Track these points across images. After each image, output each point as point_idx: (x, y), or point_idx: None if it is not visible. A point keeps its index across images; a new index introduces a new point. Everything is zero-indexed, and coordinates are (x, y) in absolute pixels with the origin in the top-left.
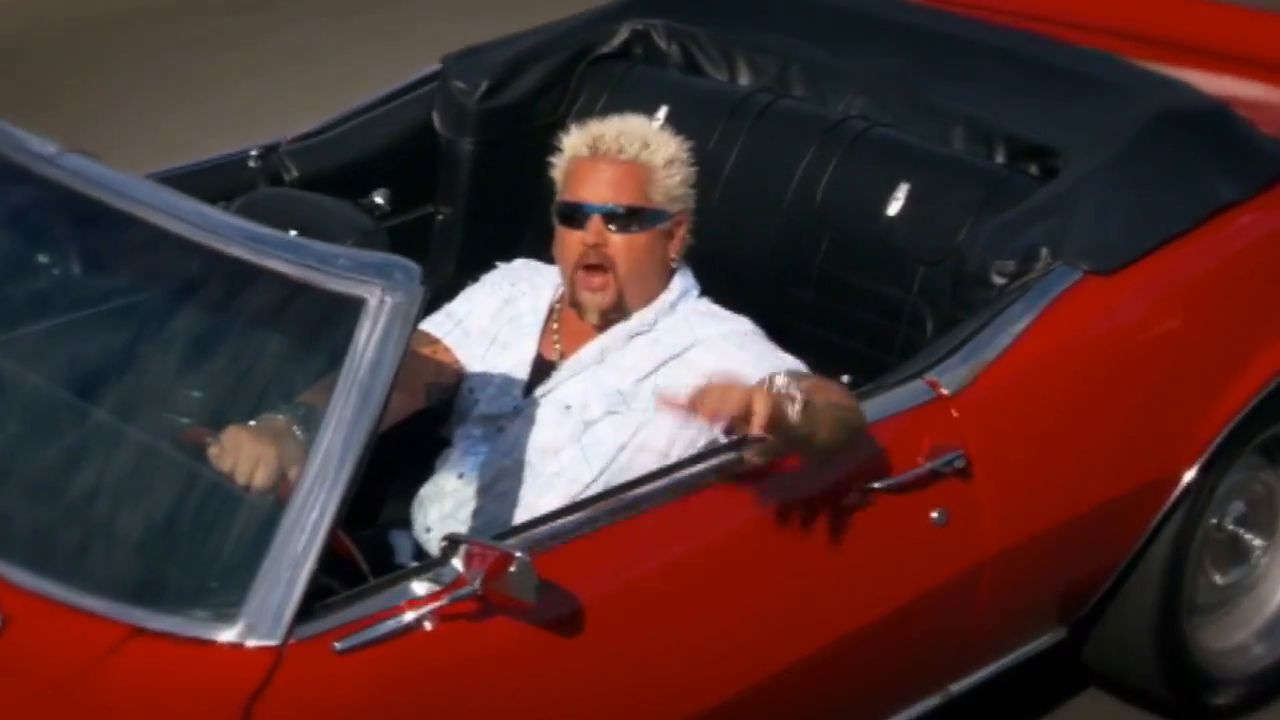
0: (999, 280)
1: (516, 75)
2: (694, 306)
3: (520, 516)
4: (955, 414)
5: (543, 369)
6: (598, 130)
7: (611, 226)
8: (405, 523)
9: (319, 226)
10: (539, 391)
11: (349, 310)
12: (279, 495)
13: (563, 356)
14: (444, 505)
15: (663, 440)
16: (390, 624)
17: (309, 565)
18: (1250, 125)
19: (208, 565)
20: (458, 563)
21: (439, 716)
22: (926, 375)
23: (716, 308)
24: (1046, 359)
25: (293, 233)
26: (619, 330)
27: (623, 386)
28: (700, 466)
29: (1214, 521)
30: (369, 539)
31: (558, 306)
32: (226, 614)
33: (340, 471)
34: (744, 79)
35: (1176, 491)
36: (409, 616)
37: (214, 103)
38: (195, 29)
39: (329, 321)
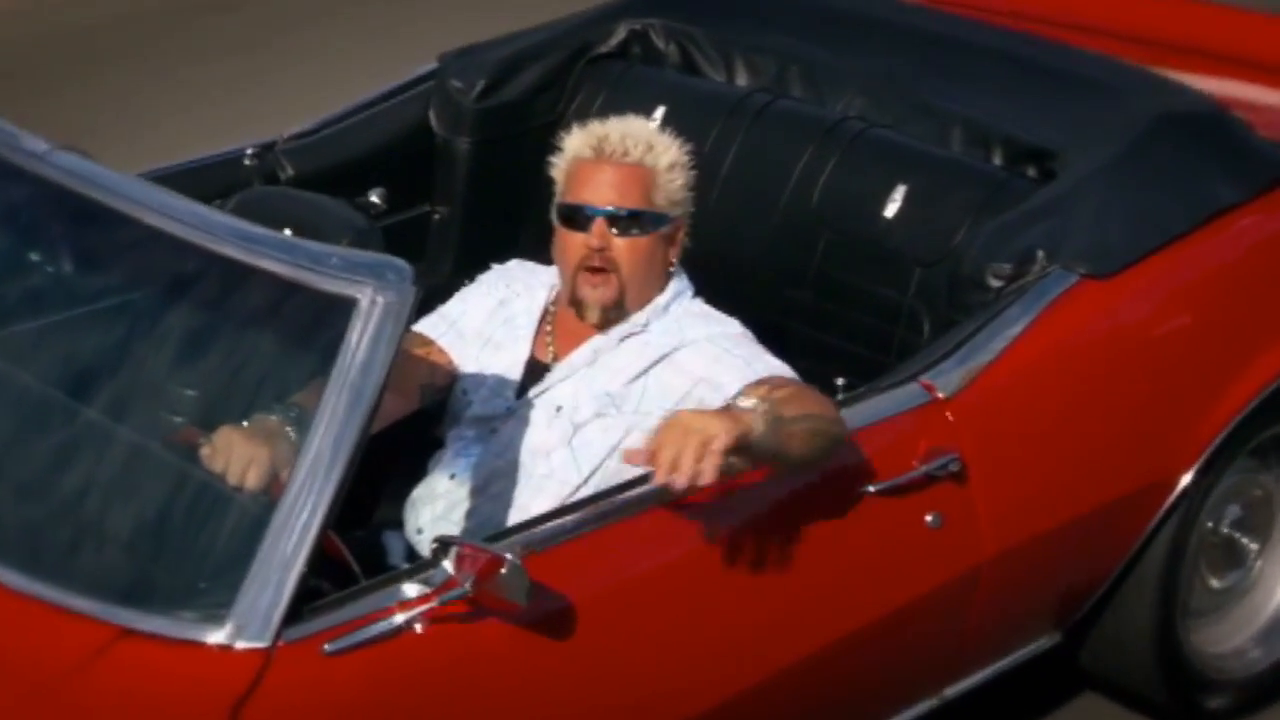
0: (995, 283)
1: (514, 74)
2: (686, 308)
3: (513, 518)
4: (950, 417)
5: (536, 370)
6: (601, 131)
7: (614, 229)
8: (399, 524)
9: (314, 225)
10: (531, 393)
11: (340, 310)
12: (271, 497)
13: (556, 358)
14: (436, 507)
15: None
16: (380, 626)
17: (298, 567)
18: (1249, 128)
19: (197, 566)
20: (448, 565)
21: (429, 718)
22: (922, 378)
23: (709, 309)
24: (1043, 362)
25: (287, 232)
26: (613, 332)
27: (612, 389)
28: None
29: (1210, 525)
30: (362, 540)
31: (552, 308)
32: (215, 615)
33: (331, 472)
34: (742, 79)
35: (1173, 495)
36: (399, 618)
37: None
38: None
39: (321, 321)
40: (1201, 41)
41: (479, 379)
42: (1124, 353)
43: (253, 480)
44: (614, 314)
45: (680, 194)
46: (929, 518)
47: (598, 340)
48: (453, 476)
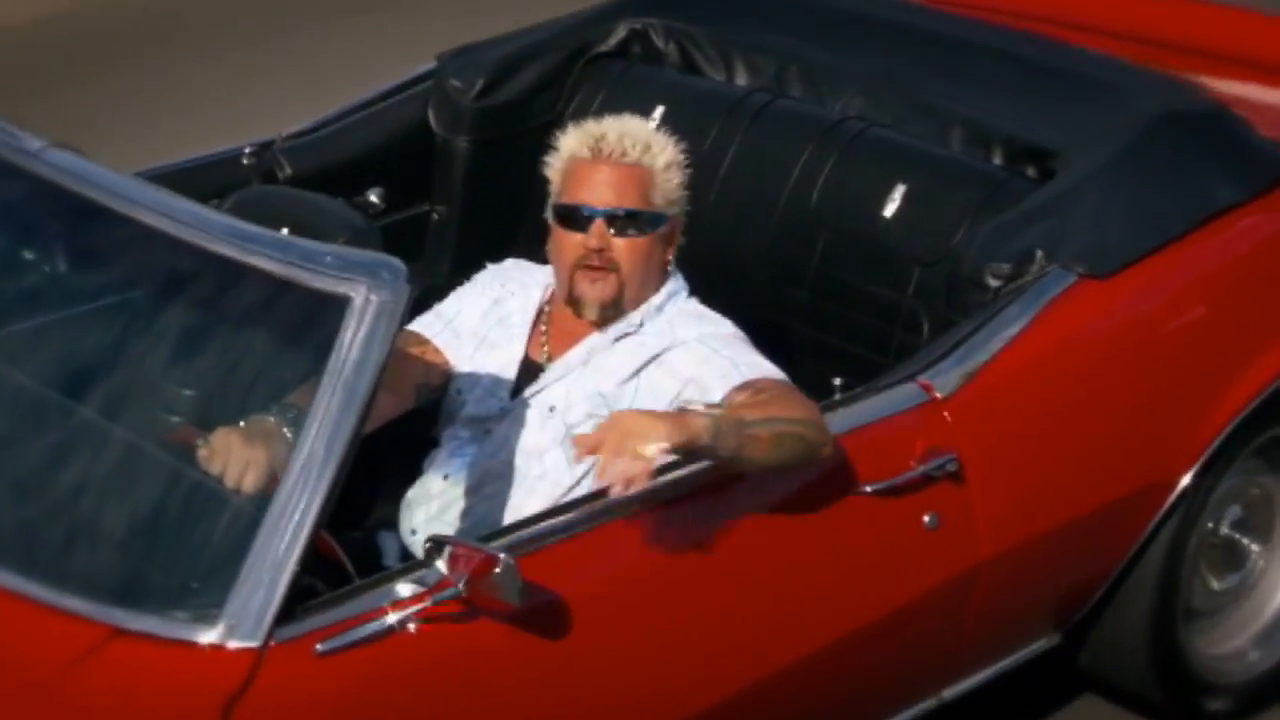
0: (994, 283)
1: (513, 74)
2: (681, 307)
3: (507, 519)
4: (948, 417)
5: (530, 370)
6: (598, 131)
7: (612, 229)
8: (394, 524)
9: (311, 225)
10: (526, 393)
11: (334, 308)
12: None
13: (550, 358)
14: (430, 507)
15: None
16: (373, 626)
17: (291, 567)
18: (1249, 127)
19: (189, 566)
20: (442, 564)
21: (421, 719)
22: (920, 378)
23: (703, 309)
24: (1041, 362)
25: (285, 231)
26: (609, 331)
27: (605, 389)
28: (685, 471)
29: (1210, 526)
30: (357, 540)
31: (547, 308)
32: (207, 615)
33: (324, 472)
34: (741, 79)
35: (1172, 496)
36: (392, 618)
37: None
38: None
39: (315, 320)
40: (1201, 41)
41: (474, 379)
42: (1123, 353)
43: (250, 483)
44: (612, 312)
45: (677, 193)
46: (926, 518)
47: (593, 339)
48: (447, 477)
